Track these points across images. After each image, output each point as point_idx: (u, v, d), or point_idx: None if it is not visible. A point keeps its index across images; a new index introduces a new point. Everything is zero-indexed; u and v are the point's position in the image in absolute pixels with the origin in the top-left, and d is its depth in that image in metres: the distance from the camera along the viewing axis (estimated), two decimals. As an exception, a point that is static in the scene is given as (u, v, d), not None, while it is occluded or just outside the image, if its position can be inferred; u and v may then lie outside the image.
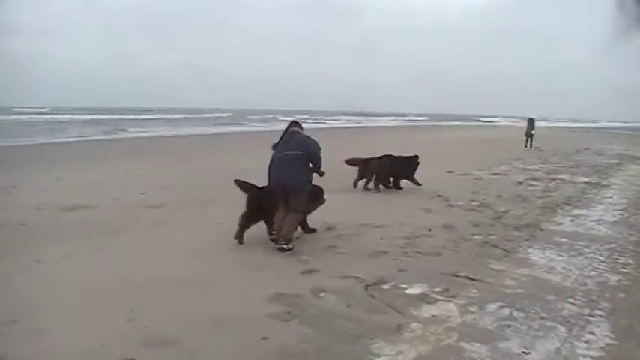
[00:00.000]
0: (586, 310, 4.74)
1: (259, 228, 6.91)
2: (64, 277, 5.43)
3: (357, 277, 5.43)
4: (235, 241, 6.69)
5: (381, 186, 11.34)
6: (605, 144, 31.26)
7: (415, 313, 4.59)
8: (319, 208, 7.23)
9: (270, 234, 6.81)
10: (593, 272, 5.90)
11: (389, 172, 11.41)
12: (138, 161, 16.12)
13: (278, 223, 6.63)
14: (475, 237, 7.31)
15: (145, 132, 33.46)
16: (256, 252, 6.40)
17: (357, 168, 11.37)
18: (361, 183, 11.33)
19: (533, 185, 12.66)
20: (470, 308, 4.71)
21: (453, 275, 5.60)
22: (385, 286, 5.22)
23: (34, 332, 4.09)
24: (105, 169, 14.35)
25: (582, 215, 9.12)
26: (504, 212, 9.09)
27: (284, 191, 6.57)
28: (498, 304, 4.82)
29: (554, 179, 13.89)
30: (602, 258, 6.48)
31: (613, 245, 7.10)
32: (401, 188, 11.51)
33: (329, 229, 7.43)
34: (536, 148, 24.43)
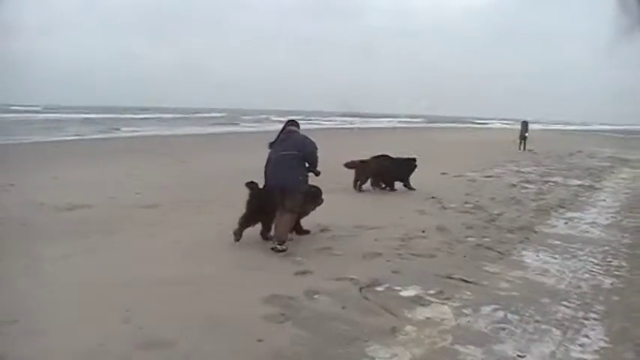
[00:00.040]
0: (580, 313, 4.74)
1: (254, 228, 6.88)
2: (62, 277, 5.39)
3: (351, 278, 5.41)
4: (230, 241, 6.65)
5: (371, 186, 11.37)
6: (597, 147, 31.42)
7: (409, 315, 4.57)
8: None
9: (264, 236, 6.80)
10: (587, 275, 5.91)
11: (385, 172, 11.41)
12: (132, 160, 16.05)
13: (276, 224, 6.61)
14: (469, 239, 7.31)
15: (138, 131, 33.33)
16: (250, 253, 6.37)
17: (357, 169, 11.37)
18: (365, 184, 11.39)
19: (526, 188, 12.69)
20: (464, 311, 4.70)
21: (447, 277, 5.59)
22: (379, 288, 5.20)
23: (33, 332, 4.06)
24: (100, 168, 14.28)
25: (576, 218, 9.14)
26: (498, 214, 9.09)
27: (280, 191, 6.54)
28: (493, 306, 4.81)
29: (547, 182, 13.94)
30: (595, 261, 6.49)
31: (606, 248, 7.11)
32: (394, 190, 11.50)
33: (323, 230, 7.41)
34: (529, 150, 24.56)
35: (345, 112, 77.80)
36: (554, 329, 4.37)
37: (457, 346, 3.99)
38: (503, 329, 4.33)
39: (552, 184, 13.60)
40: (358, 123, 59.68)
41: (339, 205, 7.67)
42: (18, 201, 9.03)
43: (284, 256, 6.21)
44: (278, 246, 6.33)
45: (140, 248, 6.54)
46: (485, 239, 7.32)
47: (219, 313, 4.47)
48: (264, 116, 66.21)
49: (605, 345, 4.11)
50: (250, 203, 6.77)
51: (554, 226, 8.40)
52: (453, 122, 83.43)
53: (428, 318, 4.52)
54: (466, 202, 10.18)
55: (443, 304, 4.85)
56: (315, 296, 4.94)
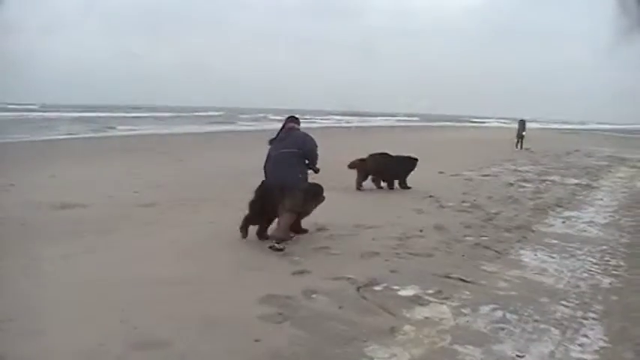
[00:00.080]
0: (579, 313, 4.72)
1: (252, 227, 6.86)
2: (60, 277, 5.35)
3: (349, 278, 5.38)
4: (228, 241, 6.65)
5: (372, 182, 11.41)
6: (594, 146, 31.47)
7: (408, 315, 4.55)
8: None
9: (261, 235, 6.77)
10: (585, 274, 5.89)
11: (385, 169, 11.43)
12: (130, 159, 15.99)
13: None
14: (467, 238, 7.29)
15: (135, 130, 33.21)
16: (248, 252, 6.34)
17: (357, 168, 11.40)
18: (367, 183, 11.45)
19: (523, 186, 12.69)
20: (463, 310, 4.68)
21: (445, 277, 5.57)
22: (377, 288, 5.17)
23: (30, 332, 4.03)
24: (97, 166, 14.23)
25: (573, 217, 9.14)
26: (495, 213, 9.08)
27: (280, 190, 6.52)
28: (491, 306, 4.79)
29: (544, 180, 13.94)
30: (594, 260, 6.48)
31: (605, 247, 7.10)
32: (392, 188, 11.50)
33: (320, 229, 7.38)
34: (526, 149, 24.55)
35: (341, 110, 77.84)
36: (553, 329, 4.35)
37: (456, 346, 3.97)
38: (502, 329, 4.31)
39: (550, 182, 13.61)
40: (355, 122, 59.69)
41: (337, 204, 7.64)
42: (16, 200, 8.97)
43: (281, 255, 6.17)
44: (276, 245, 6.29)
45: (138, 247, 6.49)
46: (483, 238, 7.30)
47: (216, 312, 4.44)
48: (261, 115, 66.14)
49: (605, 345, 4.09)
50: (254, 203, 6.76)
51: (552, 225, 8.39)
52: (450, 121, 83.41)
53: (426, 318, 4.50)
54: (463, 201, 10.17)
55: (441, 303, 4.83)
56: (313, 296, 4.91)
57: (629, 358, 3.95)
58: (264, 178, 6.81)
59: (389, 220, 8.10)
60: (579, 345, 4.07)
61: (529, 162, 19.06)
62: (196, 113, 62.73)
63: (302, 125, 7.16)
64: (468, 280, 5.49)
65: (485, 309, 4.72)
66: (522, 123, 26.10)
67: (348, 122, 57.97)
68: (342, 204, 8.48)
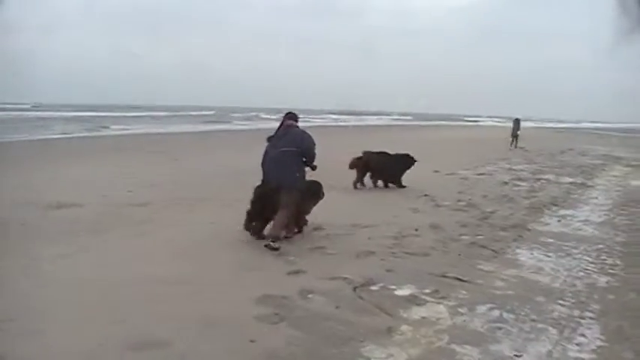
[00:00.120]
0: (576, 312, 4.72)
1: (244, 226, 6.83)
2: (55, 277, 5.30)
3: (345, 278, 5.36)
4: (223, 240, 6.65)
5: (358, 183, 11.41)
6: (588, 144, 31.55)
7: (405, 315, 4.53)
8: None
9: (257, 235, 6.74)
10: (581, 273, 5.89)
11: (383, 167, 11.45)
12: (123, 159, 15.90)
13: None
14: (463, 237, 7.28)
15: (128, 129, 33.04)
16: (244, 252, 6.31)
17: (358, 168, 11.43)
18: (366, 181, 11.50)
19: (518, 185, 12.71)
20: (460, 310, 4.67)
21: (441, 276, 5.56)
22: (374, 288, 5.15)
23: (28, 332, 4.01)
24: (90, 166, 14.11)
25: (569, 216, 9.14)
26: (491, 212, 9.08)
27: (277, 188, 6.51)
28: (488, 305, 4.78)
29: (539, 179, 13.97)
30: (590, 259, 6.48)
31: (600, 246, 7.10)
32: (387, 186, 11.52)
33: (316, 229, 7.35)
34: (521, 148, 24.58)
35: (337, 109, 77.75)
36: (550, 328, 4.35)
37: (454, 346, 3.95)
38: (500, 328, 4.30)
39: (544, 181, 13.64)
40: (349, 121, 59.66)
41: (332, 203, 7.61)
42: (9, 200, 8.88)
43: (277, 255, 6.14)
44: (272, 243, 6.26)
45: (134, 247, 6.45)
46: (479, 237, 7.29)
47: (213, 313, 4.42)
48: (254, 114, 65.91)
49: (602, 344, 4.09)
50: (254, 203, 6.76)
51: (548, 224, 8.40)
52: (444, 120, 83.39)
53: (423, 317, 4.48)
54: (459, 200, 10.17)
55: (438, 303, 4.81)
56: (309, 296, 4.89)
57: (628, 358, 3.94)
58: (262, 177, 6.79)
59: (385, 219, 8.08)
60: (577, 344, 4.07)
61: (523, 161, 19.09)
62: (189, 112, 62.43)
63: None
64: (465, 279, 5.48)
65: (482, 308, 4.71)
66: (517, 122, 26.12)
67: (343, 121, 57.92)
68: (337, 203, 8.46)
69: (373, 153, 11.43)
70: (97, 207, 8.53)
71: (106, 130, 32.66)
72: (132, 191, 10.00)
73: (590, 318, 4.61)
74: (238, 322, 4.27)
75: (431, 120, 77.56)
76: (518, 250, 6.73)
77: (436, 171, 14.20)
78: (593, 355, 3.90)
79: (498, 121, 74.69)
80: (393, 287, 5.16)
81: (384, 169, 11.43)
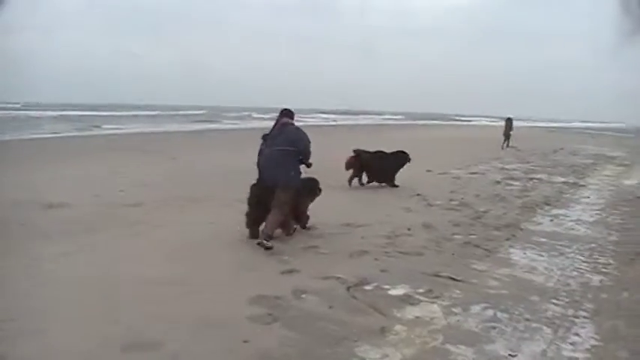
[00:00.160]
0: (570, 311, 4.71)
1: (239, 227, 6.79)
2: (48, 278, 5.24)
3: (338, 277, 5.34)
4: (216, 240, 6.62)
5: (354, 182, 11.47)
6: (580, 144, 31.67)
7: (399, 314, 4.51)
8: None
9: (252, 234, 6.71)
10: (575, 273, 5.89)
11: (382, 166, 11.48)
12: (114, 158, 15.77)
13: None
14: (456, 237, 7.28)
15: (119, 129, 32.84)
16: (236, 252, 6.26)
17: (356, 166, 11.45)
18: (363, 180, 11.56)
19: (511, 185, 12.73)
20: (454, 310, 4.65)
21: (435, 276, 5.54)
22: (367, 287, 5.13)
23: (24, 333, 3.98)
24: (82, 165, 13.94)
25: (561, 215, 9.16)
26: (484, 212, 9.08)
27: (273, 187, 6.50)
28: (482, 305, 4.76)
29: (531, 179, 14.00)
30: (582, 258, 6.49)
31: (593, 245, 7.11)
32: (380, 183, 11.52)
33: (309, 228, 7.32)
34: (513, 147, 24.60)
35: (329, 109, 77.85)
36: (544, 327, 4.34)
37: (448, 346, 3.93)
38: (494, 328, 4.29)
39: (537, 181, 13.67)
40: (340, 120, 59.71)
41: (325, 202, 7.58)
42: (4, 200, 8.79)
43: (270, 254, 6.11)
44: (264, 241, 6.23)
45: (127, 247, 6.40)
46: (472, 236, 7.29)
47: (206, 313, 4.38)
48: (246, 113, 65.81)
49: (597, 343, 4.08)
50: (252, 204, 6.76)
51: (540, 224, 8.41)
52: (436, 119, 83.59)
53: (417, 317, 4.46)
54: (451, 200, 10.17)
55: (432, 302, 4.79)
56: (303, 296, 4.86)
57: (623, 357, 3.93)
58: (257, 176, 6.78)
59: (378, 218, 8.06)
60: (571, 344, 4.06)
61: (516, 160, 19.14)
62: (180, 112, 62.18)
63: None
64: (458, 278, 5.46)
65: (476, 308, 4.70)
66: (509, 121, 26.11)
67: (333, 120, 57.92)
68: (330, 202, 8.42)
69: (369, 152, 11.43)
70: (89, 207, 8.44)
71: (97, 129, 32.48)
72: (123, 191, 9.91)
73: (584, 317, 4.61)
74: (231, 322, 4.23)
75: (422, 119, 77.67)
76: (511, 250, 6.73)
77: (428, 170, 14.20)
78: (588, 355, 3.89)
79: (491, 121, 74.77)
80: (387, 287, 5.14)
81: (380, 167, 11.43)
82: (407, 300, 4.83)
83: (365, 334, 4.08)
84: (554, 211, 9.45)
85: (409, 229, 7.50)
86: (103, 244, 6.47)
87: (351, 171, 11.39)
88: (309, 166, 6.82)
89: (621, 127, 71.52)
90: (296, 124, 7.01)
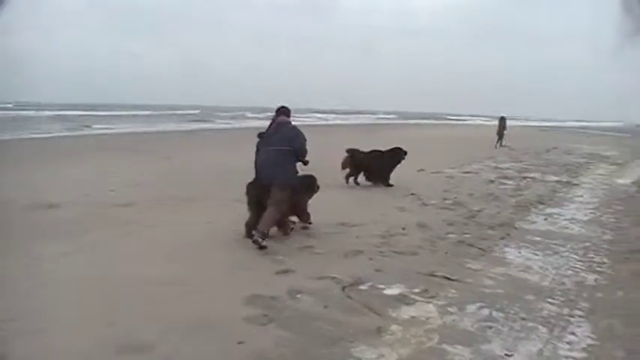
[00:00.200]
0: (566, 310, 4.71)
1: (234, 226, 6.77)
2: (41, 279, 5.17)
3: (333, 277, 5.31)
4: (210, 240, 6.58)
5: (351, 180, 11.49)
6: (573, 143, 31.74)
7: (394, 314, 4.49)
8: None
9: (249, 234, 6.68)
10: (569, 271, 5.90)
11: (378, 164, 11.49)
12: (106, 158, 15.63)
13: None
14: (450, 236, 7.27)
15: (110, 129, 32.60)
16: (231, 252, 6.22)
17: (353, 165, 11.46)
18: (360, 179, 11.57)
19: (504, 184, 12.75)
20: (449, 309, 4.64)
21: (430, 275, 5.53)
22: (363, 287, 5.11)
23: (16, 334, 3.94)
24: (73, 165, 13.82)
25: (555, 214, 9.18)
26: (478, 211, 9.08)
27: (269, 187, 6.50)
28: (478, 304, 4.76)
29: (525, 178, 14.02)
30: (577, 257, 6.50)
31: (587, 244, 7.13)
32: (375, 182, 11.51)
33: (304, 227, 7.30)
34: (506, 146, 24.64)
35: (321, 109, 77.79)
36: (540, 327, 4.34)
37: (444, 346, 3.92)
38: (490, 327, 4.28)
39: (530, 180, 13.69)
40: (334, 120, 59.72)
41: (319, 201, 7.55)
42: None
43: (265, 254, 6.08)
44: (259, 239, 6.20)
45: (122, 248, 6.35)
46: (466, 236, 7.29)
47: (201, 314, 4.35)
48: (239, 113, 65.65)
49: (593, 342, 4.08)
50: (252, 205, 6.72)
51: (534, 222, 8.42)
52: (428, 118, 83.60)
53: (413, 317, 4.45)
54: (445, 199, 10.17)
55: (428, 302, 4.79)
56: (298, 296, 4.83)
57: (620, 357, 3.93)
58: (254, 175, 6.76)
59: (372, 218, 8.05)
60: (567, 343, 4.06)
61: (509, 159, 19.16)
62: (176, 112, 61.98)
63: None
64: (453, 278, 5.46)
65: (471, 307, 4.69)
66: (503, 120, 26.10)
67: (327, 120, 57.91)
68: (324, 202, 8.40)
69: (364, 153, 11.44)
70: (80, 207, 8.36)
71: (88, 129, 32.25)
72: (114, 191, 9.81)
73: (580, 316, 4.61)
74: (227, 323, 4.20)
75: (415, 119, 77.68)
76: (505, 249, 6.74)
77: (421, 169, 14.18)
78: (584, 354, 3.89)
79: (484, 120, 74.87)
80: (382, 287, 5.12)
81: (377, 167, 11.45)
82: (402, 300, 4.82)
83: (361, 334, 4.07)
84: (548, 210, 9.47)
85: (404, 229, 7.49)
86: (97, 245, 6.41)
87: (347, 170, 11.39)
88: (305, 163, 6.82)
89: (617, 126, 71.81)
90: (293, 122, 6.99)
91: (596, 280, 5.66)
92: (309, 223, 7.30)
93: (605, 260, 6.41)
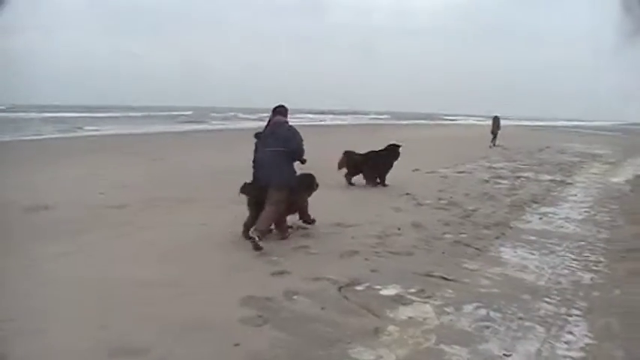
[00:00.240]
0: (563, 310, 4.70)
1: (229, 228, 6.72)
2: (35, 281, 5.13)
3: (329, 278, 5.28)
4: (205, 242, 6.54)
5: (347, 181, 11.46)
6: (566, 142, 31.81)
7: (391, 315, 4.47)
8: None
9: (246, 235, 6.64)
10: (566, 271, 5.89)
11: (376, 163, 11.48)
12: (97, 160, 15.50)
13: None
14: (446, 236, 7.26)
15: (102, 130, 32.37)
16: (226, 253, 6.19)
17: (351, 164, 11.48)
18: (355, 179, 11.54)
19: (499, 183, 12.74)
20: (446, 309, 4.62)
21: (426, 275, 5.51)
22: (359, 288, 5.09)
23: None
24: (64, 167, 13.71)
25: (550, 213, 9.17)
26: (473, 210, 9.07)
27: (267, 188, 6.49)
28: (475, 304, 4.74)
29: (519, 177, 14.02)
30: (573, 256, 6.49)
31: (583, 243, 7.13)
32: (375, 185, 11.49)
33: (299, 228, 7.27)
34: (499, 146, 24.64)
35: (316, 109, 77.80)
36: (537, 326, 4.33)
37: (442, 346, 3.90)
38: (487, 327, 4.27)
39: (524, 179, 13.68)
40: (326, 120, 59.73)
41: (315, 202, 7.52)
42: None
43: (260, 255, 6.04)
44: (256, 237, 6.17)
45: (117, 249, 6.30)
46: (462, 235, 7.27)
47: (197, 315, 4.32)
48: (232, 114, 65.59)
49: (591, 342, 4.07)
50: (251, 207, 6.70)
51: (529, 222, 8.41)
52: (422, 119, 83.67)
53: (410, 317, 4.43)
54: (440, 199, 10.15)
55: (424, 302, 4.76)
56: (294, 297, 4.80)
57: (619, 356, 3.91)
58: (253, 176, 6.76)
59: (367, 218, 8.02)
60: (565, 342, 4.04)
61: (503, 159, 19.17)
62: (163, 113, 61.73)
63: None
64: (450, 278, 5.44)
65: (468, 307, 4.67)
66: (496, 119, 26.10)
67: (319, 121, 57.88)
68: (319, 202, 8.38)
69: (360, 154, 11.45)
70: (71, 209, 8.27)
71: (80, 131, 32.05)
72: (103, 193, 9.69)
73: (577, 315, 4.60)
74: (222, 324, 4.17)
75: (408, 119, 77.72)
76: (501, 248, 6.72)
77: (416, 169, 14.17)
78: (583, 354, 3.88)
79: (478, 120, 74.96)
80: (379, 287, 5.10)
81: (374, 167, 11.45)
82: (399, 300, 4.80)
83: (358, 335, 4.04)
84: (543, 209, 9.47)
85: (399, 229, 7.47)
86: (90, 247, 6.34)
87: (344, 170, 11.42)
88: (303, 162, 6.81)
89: (608, 125, 72.10)
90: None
91: (592, 279, 5.65)
92: (313, 221, 7.29)
93: (602, 259, 6.40)
